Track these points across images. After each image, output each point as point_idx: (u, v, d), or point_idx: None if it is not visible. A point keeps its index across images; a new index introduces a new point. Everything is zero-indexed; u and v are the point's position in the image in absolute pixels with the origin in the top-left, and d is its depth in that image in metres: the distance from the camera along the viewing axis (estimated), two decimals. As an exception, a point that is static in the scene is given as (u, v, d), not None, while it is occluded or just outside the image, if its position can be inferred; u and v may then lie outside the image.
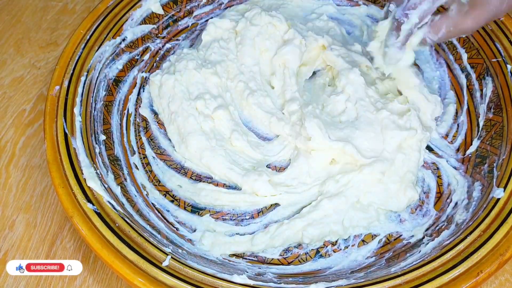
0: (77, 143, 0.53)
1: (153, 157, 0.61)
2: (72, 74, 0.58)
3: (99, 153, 0.55)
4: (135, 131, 0.63)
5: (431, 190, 0.57)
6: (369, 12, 0.74)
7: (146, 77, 0.67)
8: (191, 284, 0.44)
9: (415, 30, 0.53)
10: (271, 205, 0.57)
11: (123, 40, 0.65)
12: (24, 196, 0.60)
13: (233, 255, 0.53)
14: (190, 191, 0.58)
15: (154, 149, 0.62)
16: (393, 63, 0.58)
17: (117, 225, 0.47)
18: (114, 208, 0.49)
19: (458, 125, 0.62)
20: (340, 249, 0.53)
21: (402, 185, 0.55)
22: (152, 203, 0.56)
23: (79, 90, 0.57)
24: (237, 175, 0.57)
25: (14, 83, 0.71)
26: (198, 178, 0.59)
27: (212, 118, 0.61)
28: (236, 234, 0.54)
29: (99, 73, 0.61)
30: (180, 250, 0.49)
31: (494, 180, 0.51)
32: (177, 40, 0.72)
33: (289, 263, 0.52)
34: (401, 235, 0.54)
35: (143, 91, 0.66)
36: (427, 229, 0.53)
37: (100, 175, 0.51)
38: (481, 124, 0.59)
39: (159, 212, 0.56)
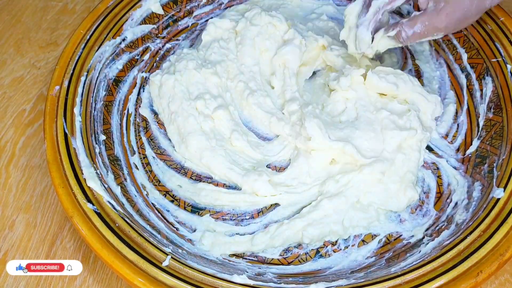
0: (77, 143, 0.53)
1: (153, 157, 0.61)
2: (72, 74, 0.58)
3: (99, 153, 0.55)
4: (135, 131, 0.63)
5: (431, 190, 0.57)
6: None
7: (146, 77, 0.67)
8: (191, 284, 0.44)
9: (387, 7, 0.55)
10: (271, 205, 0.57)
11: (123, 40, 0.65)
12: (24, 196, 0.60)
13: (233, 255, 0.53)
14: (190, 191, 0.58)
15: (154, 149, 0.62)
16: (363, 48, 0.58)
17: (117, 225, 0.47)
18: (114, 208, 0.49)
19: (458, 125, 0.62)
20: (340, 249, 0.53)
21: (402, 185, 0.55)
22: (152, 203, 0.56)
23: (79, 90, 0.57)
24: (237, 175, 0.57)
25: (14, 83, 0.71)
26: (198, 178, 0.59)
27: (212, 118, 0.61)
28: (236, 234, 0.54)
29: (99, 73, 0.61)
30: (180, 250, 0.49)
31: (494, 180, 0.51)
32: (177, 40, 0.72)
33: (289, 263, 0.52)
34: (401, 235, 0.54)
35: (143, 91, 0.66)
36: (427, 229, 0.53)
37: (100, 175, 0.51)
38: (481, 124, 0.59)
39: (159, 212, 0.56)
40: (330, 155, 0.57)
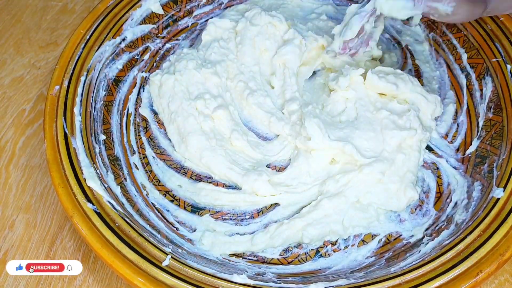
0: (77, 143, 0.53)
1: (153, 157, 0.61)
2: (72, 74, 0.58)
3: (99, 153, 0.55)
4: (135, 131, 0.63)
5: (431, 190, 0.57)
6: None
7: (146, 77, 0.67)
8: (191, 284, 0.44)
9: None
10: (271, 205, 0.57)
11: (123, 40, 0.65)
12: (24, 196, 0.60)
13: (233, 255, 0.53)
14: (190, 191, 0.58)
15: (154, 149, 0.62)
16: (348, 35, 0.59)
17: (117, 225, 0.47)
18: (114, 208, 0.49)
19: (458, 125, 0.62)
20: (340, 249, 0.53)
21: (402, 185, 0.55)
22: (152, 203, 0.56)
23: (79, 90, 0.57)
24: (237, 175, 0.57)
25: (14, 83, 0.71)
26: (198, 178, 0.59)
27: (212, 118, 0.61)
28: (236, 234, 0.54)
29: (99, 73, 0.61)
30: (180, 250, 0.49)
31: (494, 180, 0.51)
32: (177, 40, 0.72)
33: (289, 263, 0.52)
34: (401, 235, 0.54)
35: (143, 91, 0.66)
36: (427, 229, 0.53)
37: (100, 175, 0.51)
38: (481, 124, 0.59)
39: (159, 212, 0.56)
40: (330, 155, 0.57)
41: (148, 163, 0.60)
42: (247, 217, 0.56)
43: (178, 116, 0.61)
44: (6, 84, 0.71)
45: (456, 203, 0.54)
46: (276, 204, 0.57)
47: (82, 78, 0.58)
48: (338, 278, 0.47)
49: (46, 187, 0.60)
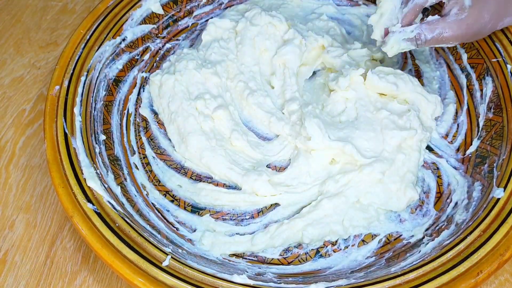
0: (77, 143, 0.53)
1: (153, 157, 0.61)
2: (72, 74, 0.58)
3: (99, 153, 0.55)
4: (135, 131, 0.63)
5: (431, 190, 0.57)
6: (369, 12, 0.74)
7: (146, 77, 0.67)
8: (191, 284, 0.44)
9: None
10: (271, 205, 0.57)
11: (123, 40, 0.65)
12: (24, 196, 0.60)
13: (233, 255, 0.53)
14: (190, 191, 0.58)
15: (154, 149, 0.62)
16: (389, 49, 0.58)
17: (117, 225, 0.47)
18: (114, 208, 0.49)
19: (458, 125, 0.62)
20: (340, 249, 0.53)
21: (402, 185, 0.55)
22: (152, 203, 0.56)
23: (79, 90, 0.57)
24: (237, 175, 0.57)
25: (14, 83, 0.71)
26: (198, 178, 0.59)
27: (212, 118, 0.61)
28: (236, 234, 0.54)
29: (99, 73, 0.61)
30: (180, 250, 0.49)
31: (494, 180, 0.51)
32: (177, 40, 0.72)
33: (289, 263, 0.52)
34: (401, 235, 0.54)
35: (143, 91, 0.66)
36: (427, 229, 0.53)
37: (100, 175, 0.51)
38: (481, 124, 0.59)
39: (159, 212, 0.56)
40: (330, 155, 0.57)
41: (148, 163, 0.60)
42: (247, 217, 0.56)
43: (178, 116, 0.61)
44: (6, 84, 0.71)
45: (456, 203, 0.54)
46: (276, 204, 0.57)
47: (82, 78, 0.58)
48: (338, 278, 0.47)
49: (46, 187, 0.60)
